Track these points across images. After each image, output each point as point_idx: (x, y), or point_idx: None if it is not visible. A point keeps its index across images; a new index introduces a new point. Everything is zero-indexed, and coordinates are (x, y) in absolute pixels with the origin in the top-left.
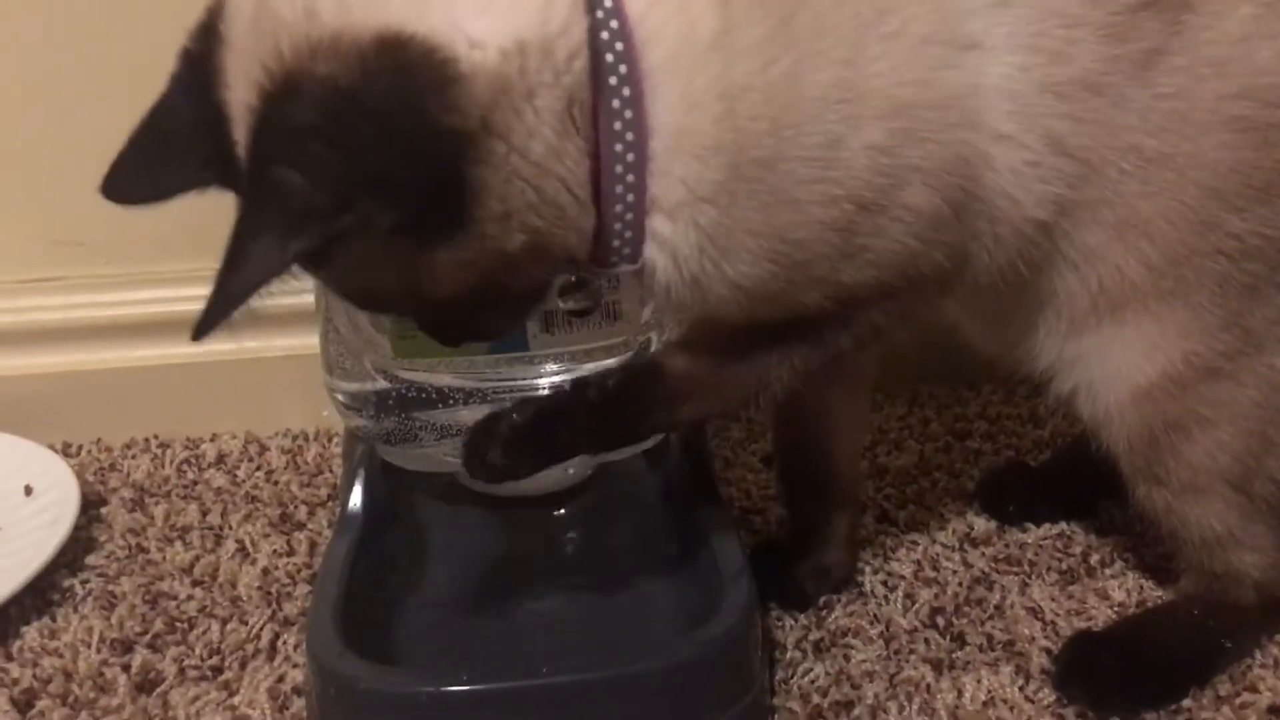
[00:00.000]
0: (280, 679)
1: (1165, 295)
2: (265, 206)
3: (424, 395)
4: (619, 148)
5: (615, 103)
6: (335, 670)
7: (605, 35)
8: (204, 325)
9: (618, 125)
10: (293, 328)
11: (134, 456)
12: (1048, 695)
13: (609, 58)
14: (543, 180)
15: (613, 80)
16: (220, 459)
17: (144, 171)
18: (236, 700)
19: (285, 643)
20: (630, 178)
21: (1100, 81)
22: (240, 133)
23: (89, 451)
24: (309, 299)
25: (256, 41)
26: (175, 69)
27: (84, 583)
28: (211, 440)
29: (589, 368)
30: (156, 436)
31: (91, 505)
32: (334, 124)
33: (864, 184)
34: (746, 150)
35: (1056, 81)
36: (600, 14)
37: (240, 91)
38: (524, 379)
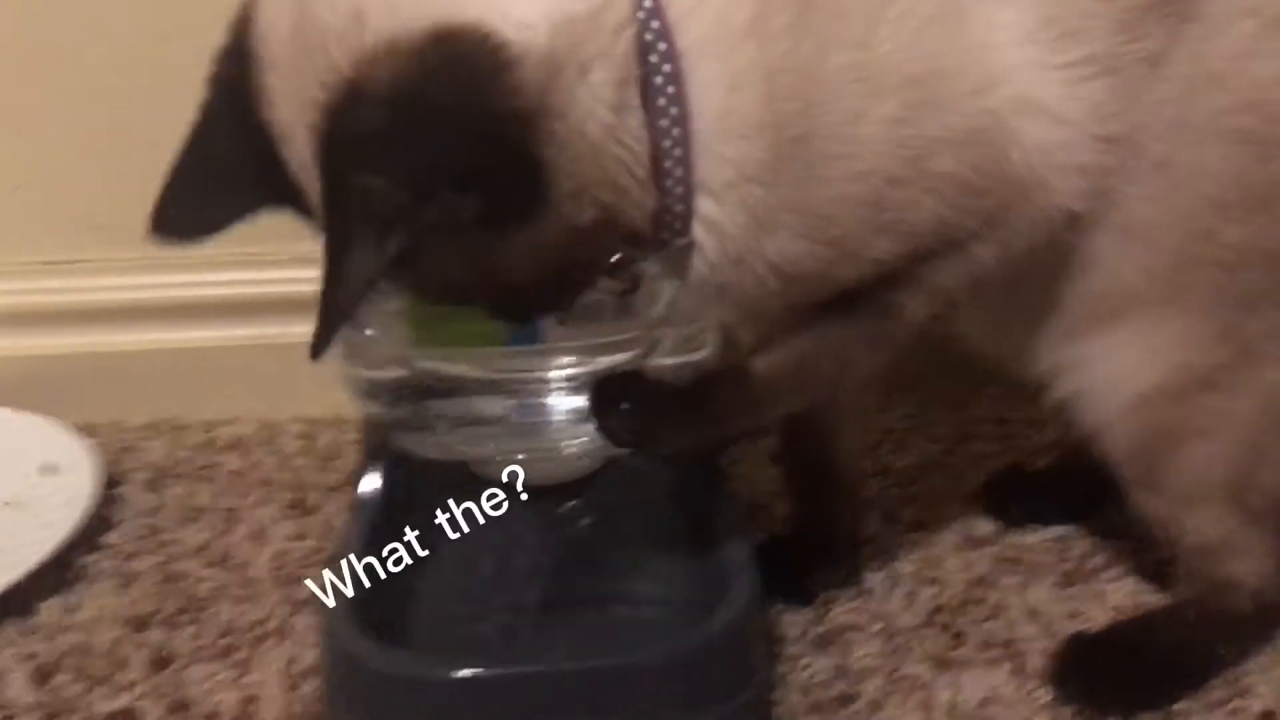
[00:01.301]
0: (291, 661)
1: (1162, 303)
2: (353, 215)
3: (439, 384)
4: (664, 123)
5: (658, 79)
6: (348, 653)
7: (641, 13)
8: (319, 343)
9: (661, 101)
10: (310, 314)
11: (152, 438)
12: (1044, 694)
13: (648, 36)
14: (603, 159)
15: (653, 57)
16: (236, 442)
17: (192, 204)
18: (248, 680)
19: (297, 625)
20: (678, 152)
21: (1116, 66)
22: (294, 151)
23: (108, 432)
24: None
25: (304, 57)
26: (206, 95)
27: (101, 561)
28: (228, 424)
29: (602, 362)
30: (174, 419)
31: (109, 485)
32: (404, 125)
33: (886, 157)
34: (783, 130)
35: (1072, 61)
36: None
37: (291, 110)
38: (537, 371)
